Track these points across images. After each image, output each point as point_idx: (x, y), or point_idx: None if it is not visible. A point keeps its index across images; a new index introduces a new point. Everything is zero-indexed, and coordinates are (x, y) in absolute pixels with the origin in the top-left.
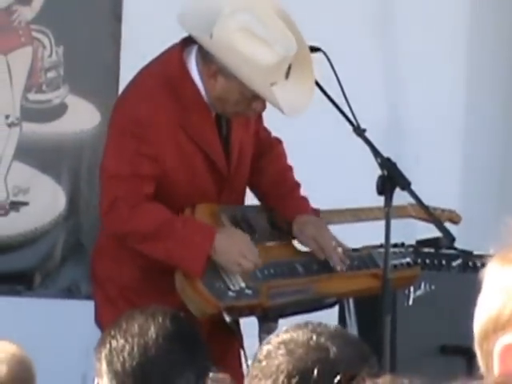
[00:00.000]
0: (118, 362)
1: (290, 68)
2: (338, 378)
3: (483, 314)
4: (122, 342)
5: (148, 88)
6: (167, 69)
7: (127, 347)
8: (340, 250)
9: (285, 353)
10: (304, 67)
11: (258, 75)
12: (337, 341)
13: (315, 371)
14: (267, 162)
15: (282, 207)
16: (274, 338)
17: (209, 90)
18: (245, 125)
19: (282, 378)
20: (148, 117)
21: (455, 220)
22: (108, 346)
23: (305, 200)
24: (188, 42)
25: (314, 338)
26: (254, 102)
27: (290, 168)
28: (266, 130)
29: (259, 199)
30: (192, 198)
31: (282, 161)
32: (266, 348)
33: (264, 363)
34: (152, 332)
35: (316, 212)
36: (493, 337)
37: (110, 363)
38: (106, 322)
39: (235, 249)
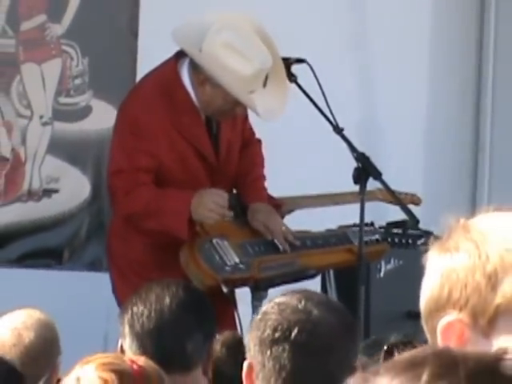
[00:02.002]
0: (138, 324)
1: (267, 78)
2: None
3: (427, 294)
4: (141, 308)
5: (145, 94)
6: (163, 77)
7: (146, 312)
8: (287, 233)
9: (276, 311)
10: (279, 78)
11: (238, 84)
12: (321, 307)
13: (296, 329)
14: (242, 158)
15: (245, 195)
16: (274, 299)
17: (198, 95)
18: (232, 125)
19: (268, 331)
20: (145, 118)
21: (416, 202)
22: (130, 311)
23: (264, 191)
24: (181, 55)
25: (303, 302)
26: (236, 107)
27: (259, 163)
28: (250, 129)
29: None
30: (187, 186)
31: (254, 157)
32: (265, 306)
33: (259, 319)
34: (167, 300)
35: (275, 202)
36: (435, 315)
37: (131, 326)
38: (120, 292)
39: (206, 200)
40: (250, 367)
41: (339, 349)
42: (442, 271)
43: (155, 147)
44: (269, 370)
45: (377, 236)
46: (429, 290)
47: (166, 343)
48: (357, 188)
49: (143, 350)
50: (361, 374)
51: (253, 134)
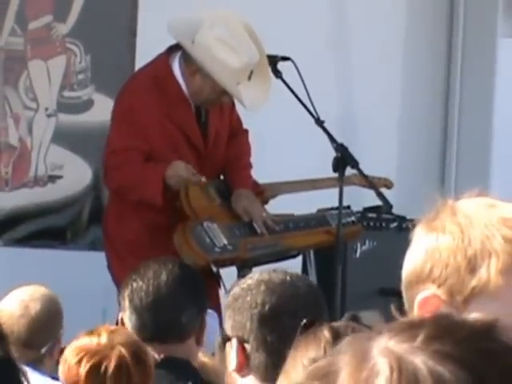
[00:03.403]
0: (137, 298)
1: (252, 72)
2: (304, 322)
3: (409, 266)
4: (140, 283)
5: (138, 85)
6: (155, 69)
7: (144, 287)
8: (267, 218)
9: (266, 289)
10: (263, 73)
11: (226, 75)
12: (302, 281)
13: (291, 302)
14: (229, 147)
15: (231, 181)
16: (253, 277)
17: (189, 85)
18: (220, 115)
19: (267, 307)
20: (138, 106)
21: (388, 186)
22: (130, 287)
23: (249, 179)
24: (173, 50)
25: (288, 278)
26: (222, 96)
27: (246, 152)
28: (238, 120)
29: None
30: None
31: (241, 146)
32: (245, 286)
33: (249, 297)
34: (164, 275)
35: (259, 189)
36: (415, 287)
37: (131, 300)
38: (116, 271)
39: (177, 168)
40: (241, 344)
41: (323, 318)
42: (426, 248)
43: (148, 133)
44: (270, 344)
45: (353, 218)
46: (412, 263)
47: (163, 315)
48: (335, 174)
49: (141, 321)
50: (364, 334)
51: (240, 124)
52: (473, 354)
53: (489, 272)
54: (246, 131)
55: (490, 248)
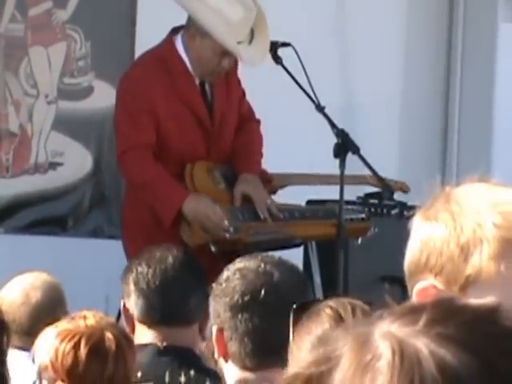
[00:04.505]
0: (144, 282)
1: (253, 36)
2: (295, 306)
3: (409, 257)
4: (146, 267)
5: (144, 61)
6: (160, 49)
7: (151, 271)
8: (272, 205)
9: (239, 277)
10: (262, 31)
11: (225, 30)
12: (279, 267)
13: (262, 291)
14: (239, 133)
15: (238, 166)
16: (231, 266)
17: (190, 54)
18: (226, 97)
19: (236, 296)
20: (143, 82)
21: (404, 189)
22: (135, 270)
23: (257, 165)
24: (175, 31)
25: (262, 265)
26: (222, 59)
27: (257, 140)
28: (249, 108)
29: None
30: (182, 152)
31: (252, 133)
32: (225, 273)
33: (224, 285)
34: (170, 259)
35: (267, 177)
36: (415, 277)
37: (136, 284)
38: (130, 254)
39: (201, 210)
40: (220, 331)
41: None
42: (421, 238)
43: (154, 108)
44: (242, 332)
45: (363, 215)
46: (411, 254)
47: (172, 297)
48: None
49: (149, 304)
50: (365, 319)
51: (252, 113)
52: (475, 337)
53: (481, 259)
54: (259, 121)
55: (481, 235)
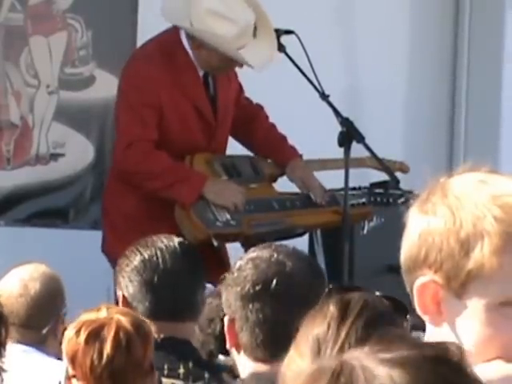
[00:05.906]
0: (147, 271)
1: (256, 30)
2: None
3: (406, 252)
4: (148, 255)
5: (147, 52)
6: (164, 40)
7: (154, 259)
8: (322, 189)
9: (251, 267)
10: (266, 29)
11: (228, 46)
12: (292, 258)
13: (274, 281)
14: (256, 125)
15: (276, 156)
16: (245, 256)
17: (196, 57)
18: (227, 89)
19: (248, 286)
20: (146, 73)
21: (404, 170)
22: (138, 258)
23: (293, 149)
24: None
25: (275, 255)
26: (232, 63)
27: (274, 125)
28: (247, 99)
29: (254, 152)
30: (184, 145)
31: (267, 121)
32: (238, 263)
33: (236, 274)
34: (166, 251)
35: (301, 157)
36: (413, 273)
37: (138, 273)
38: (111, 247)
39: (224, 192)
40: (232, 321)
41: (313, 295)
42: (419, 233)
43: (158, 102)
44: (253, 322)
45: (363, 200)
46: (408, 249)
47: (180, 292)
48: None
49: (155, 296)
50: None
51: (251, 102)
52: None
53: (483, 254)
54: (261, 107)
55: (481, 229)
